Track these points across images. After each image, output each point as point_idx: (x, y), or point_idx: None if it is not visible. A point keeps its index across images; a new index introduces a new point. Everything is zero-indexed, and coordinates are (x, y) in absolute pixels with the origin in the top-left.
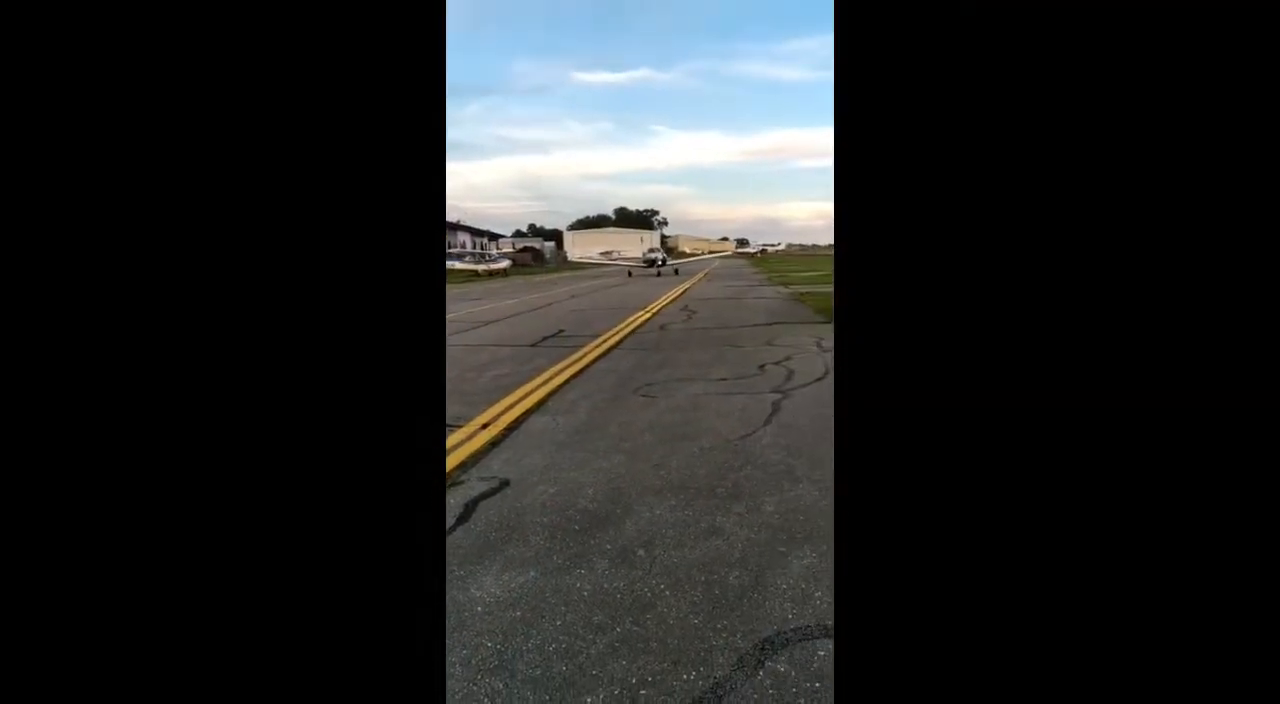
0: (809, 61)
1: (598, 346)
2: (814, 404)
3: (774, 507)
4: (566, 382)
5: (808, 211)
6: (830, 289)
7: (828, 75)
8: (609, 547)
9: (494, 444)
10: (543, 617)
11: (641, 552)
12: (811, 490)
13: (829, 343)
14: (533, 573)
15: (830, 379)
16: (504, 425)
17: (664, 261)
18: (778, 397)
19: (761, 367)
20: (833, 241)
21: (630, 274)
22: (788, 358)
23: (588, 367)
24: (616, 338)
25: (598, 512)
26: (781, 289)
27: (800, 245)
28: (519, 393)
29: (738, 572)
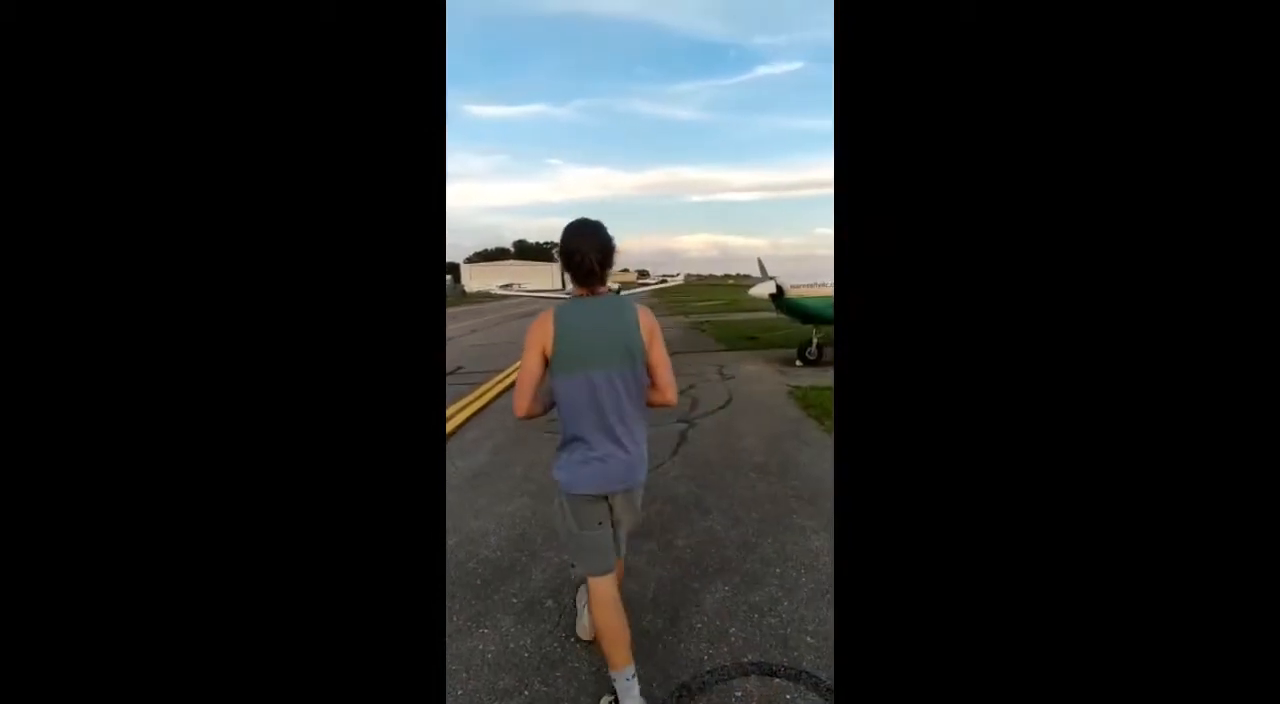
0: (696, 102)
1: (499, 383)
2: (719, 431)
3: (685, 541)
4: (466, 421)
5: (703, 243)
6: (728, 316)
7: (719, 116)
8: (515, 600)
9: None
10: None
11: (550, 602)
12: (721, 521)
13: (730, 370)
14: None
15: (733, 406)
16: None
17: (618, 292)
18: (683, 426)
19: None
20: (725, 273)
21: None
22: (691, 387)
23: (489, 404)
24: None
25: (500, 561)
26: (681, 319)
27: (698, 275)
28: None
29: (650, 615)
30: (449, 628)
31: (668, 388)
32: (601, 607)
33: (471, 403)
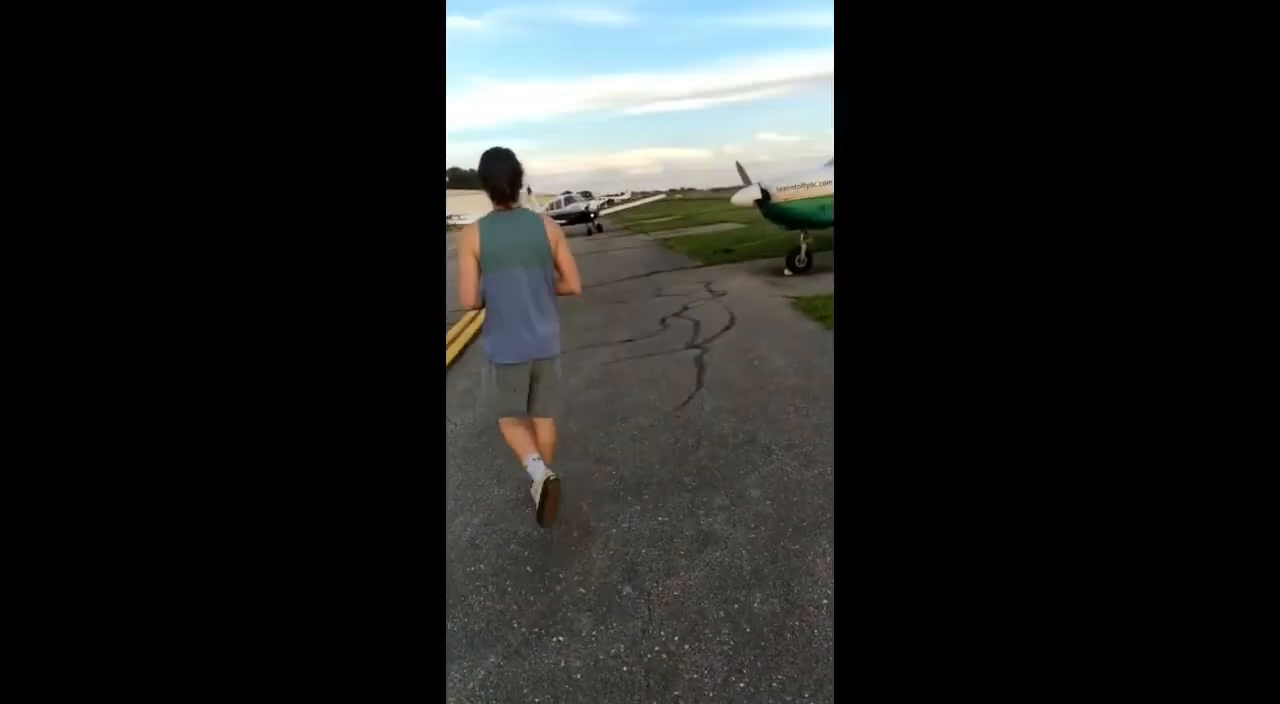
0: (625, 4)
1: (468, 320)
2: (737, 354)
3: (759, 490)
4: (449, 366)
5: (647, 159)
6: (690, 231)
7: (653, 17)
8: (583, 590)
9: None
10: None
11: (628, 588)
12: (789, 461)
13: (718, 286)
14: (493, 659)
15: (738, 326)
16: None
17: (597, 212)
18: (696, 352)
19: (662, 321)
20: (671, 188)
21: None
22: (684, 309)
23: (467, 345)
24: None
25: (549, 540)
26: (642, 237)
27: (643, 192)
28: None
29: (759, 594)
30: (511, 640)
31: (572, 279)
32: (510, 429)
33: (449, 343)
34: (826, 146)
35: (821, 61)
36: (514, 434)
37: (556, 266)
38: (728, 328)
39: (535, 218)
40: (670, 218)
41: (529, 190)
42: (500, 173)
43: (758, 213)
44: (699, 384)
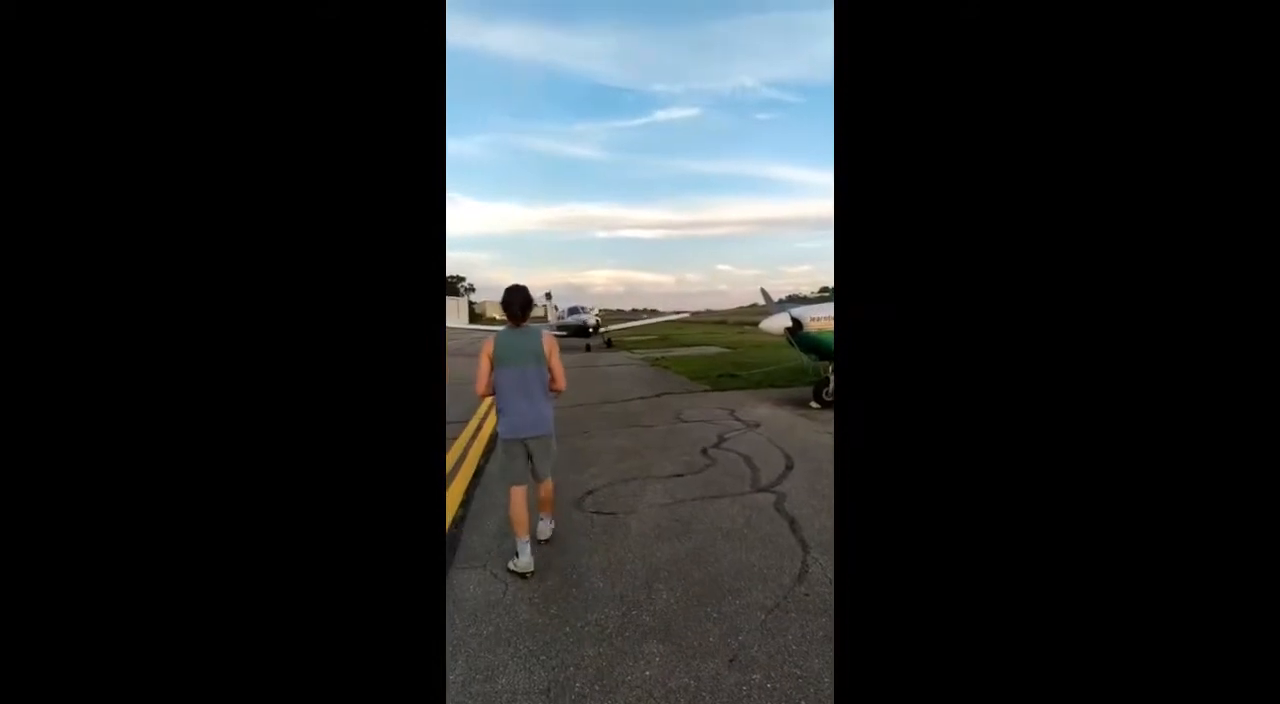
0: (596, 141)
1: (468, 436)
2: (821, 501)
3: None
4: (464, 497)
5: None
6: (677, 352)
7: (619, 156)
8: None
9: None
10: None
11: None
12: None
13: (745, 415)
14: None
15: (804, 466)
16: None
17: (596, 328)
18: (771, 498)
19: (704, 451)
20: (633, 308)
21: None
22: (721, 440)
23: (479, 470)
24: (490, 422)
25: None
26: (625, 354)
27: (605, 309)
28: None
29: None
30: None
31: (560, 381)
32: (514, 503)
33: (455, 466)
34: (777, 280)
35: (774, 207)
36: (516, 511)
37: (550, 370)
38: (789, 469)
39: (537, 332)
40: (648, 338)
41: (548, 295)
42: (515, 302)
43: (737, 336)
44: (802, 545)
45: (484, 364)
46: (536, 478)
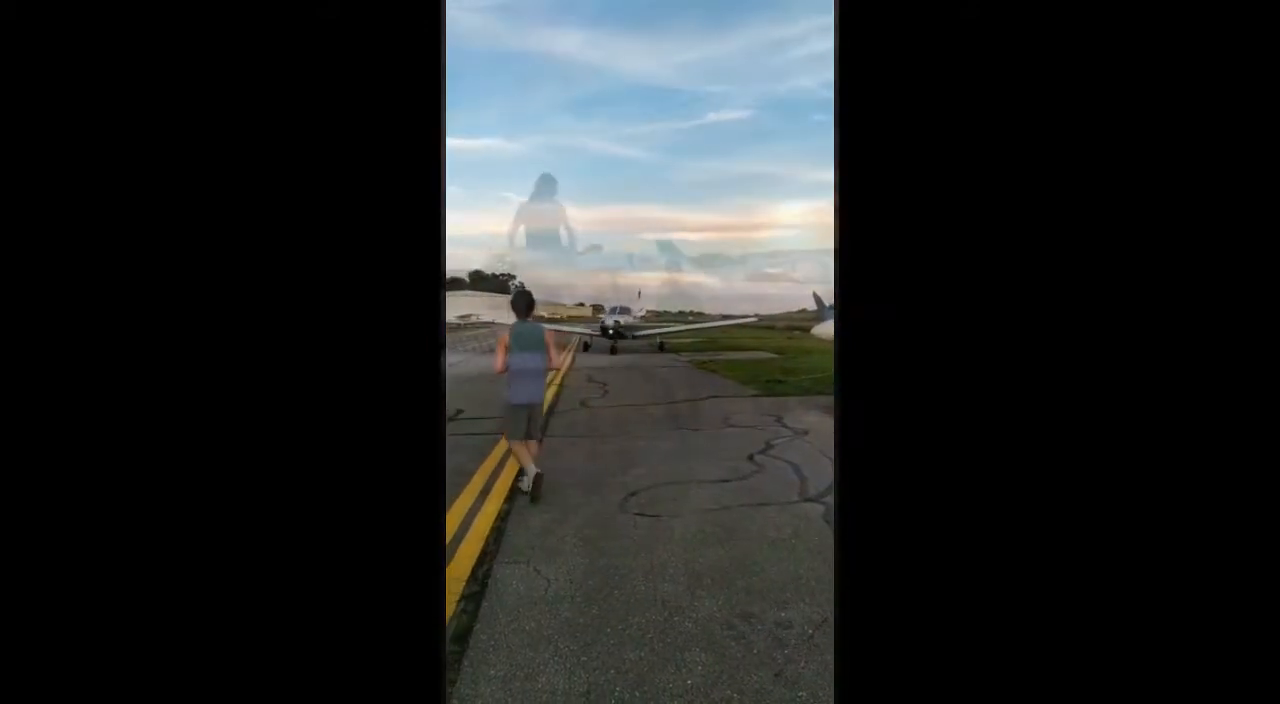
0: (646, 144)
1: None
2: None
3: None
4: (505, 502)
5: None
6: (727, 356)
7: (666, 157)
8: None
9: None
10: None
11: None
12: None
13: (793, 422)
14: None
15: None
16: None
17: (621, 330)
18: (821, 508)
19: (751, 458)
20: (680, 310)
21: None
22: (768, 446)
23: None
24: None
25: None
26: (671, 356)
27: (652, 311)
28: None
29: None
30: None
31: (554, 360)
32: (518, 448)
33: (498, 466)
34: (830, 286)
35: (826, 212)
36: (522, 455)
37: (548, 353)
38: None
39: (540, 327)
40: (691, 340)
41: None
42: (520, 303)
43: (786, 341)
44: None
45: (501, 349)
46: (531, 435)
